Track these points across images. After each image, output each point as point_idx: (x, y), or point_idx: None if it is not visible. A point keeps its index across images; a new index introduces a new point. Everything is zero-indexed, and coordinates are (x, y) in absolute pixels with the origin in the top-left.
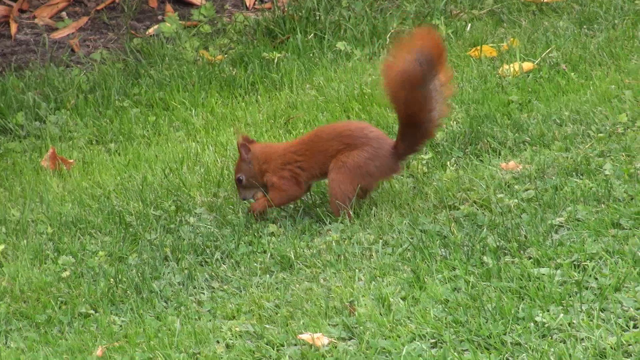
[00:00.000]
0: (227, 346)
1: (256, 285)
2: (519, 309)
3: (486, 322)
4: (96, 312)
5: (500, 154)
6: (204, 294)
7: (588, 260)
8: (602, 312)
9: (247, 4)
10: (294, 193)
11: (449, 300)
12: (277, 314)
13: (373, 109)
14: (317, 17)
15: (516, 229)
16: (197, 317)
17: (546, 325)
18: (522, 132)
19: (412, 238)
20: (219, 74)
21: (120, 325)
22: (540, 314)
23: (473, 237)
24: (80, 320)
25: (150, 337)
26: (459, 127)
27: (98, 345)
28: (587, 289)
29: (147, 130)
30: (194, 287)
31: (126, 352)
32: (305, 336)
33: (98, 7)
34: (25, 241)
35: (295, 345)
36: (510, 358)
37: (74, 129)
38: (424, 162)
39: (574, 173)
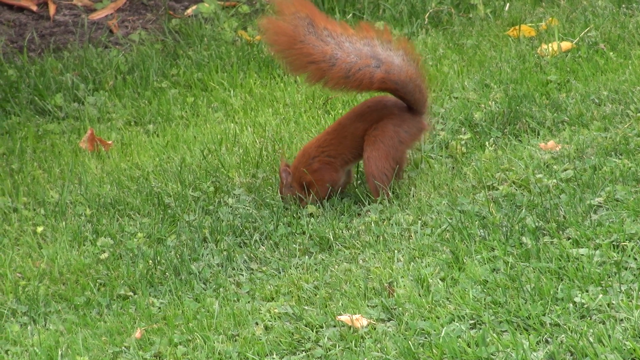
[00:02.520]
0: (266, 328)
1: (295, 266)
2: (557, 289)
3: (525, 303)
4: (135, 294)
5: (539, 134)
6: (242, 275)
7: (627, 241)
8: None
9: None
10: (331, 178)
11: (487, 281)
12: (316, 295)
13: None
14: None
15: (555, 210)
16: (235, 298)
17: (585, 306)
18: (560, 112)
19: (450, 219)
20: (258, 55)
21: (159, 307)
22: (579, 295)
23: (512, 218)
24: (119, 302)
25: (188, 319)
26: (498, 107)
27: (137, 327)
28: (626, 269)
29: (186, 111)
30: (233, 269)
31: (165, 334)
32: (344, 317)
33: None
34: (64, 223)
35: (334, 326)
36: (549, 339)
37: (112, 110)
38: (463, 142)
39: (612, 153)
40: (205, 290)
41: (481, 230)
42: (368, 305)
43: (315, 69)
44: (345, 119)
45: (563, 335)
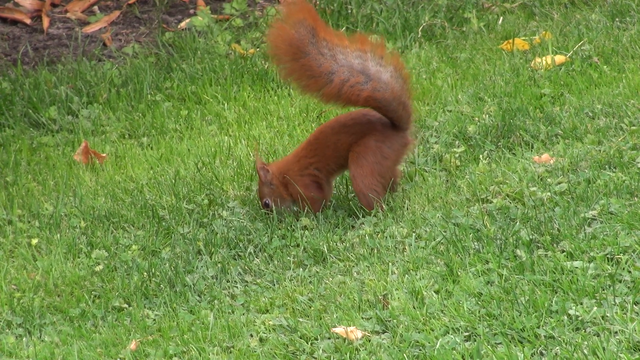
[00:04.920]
0: (261, 340)
1: (289, 278)
2: (552, 302)
3: (519, 316)
4: (130, 306)
5: (532, 147)
6: (237, 287)
7: (621, 254)
8: (635, 305)
9: None
10: (323, 196)
11: (482, 294)
12: (310, 307)
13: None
14: (349, 11)
15: (549, 222)
16: (230, 310)
17: (579, 318)
18: (554, 125)
19: (445, 231)
20: (251, 68)
21: (154, 319)
22: (574, 307)
23: (506, 231)
24: (114, 314)
25: (183, 331)
26: (492, 120)
27: (132, 339)
28: (620, 282)
29: (180, 124)
30: (227, 281)
31: (160, 346)
32: (339, 330)
33: (130, 1)
34: (58, 235)
35: (329, 338)
36: (543, 351)
37: (106, 122)
38: (457, 155)
39: (606, 166)
40: (200, 302)
41: (475, 243)
42: (362, 318)
43: (313, 83)
44: (328, 128)
45: (557, 348)
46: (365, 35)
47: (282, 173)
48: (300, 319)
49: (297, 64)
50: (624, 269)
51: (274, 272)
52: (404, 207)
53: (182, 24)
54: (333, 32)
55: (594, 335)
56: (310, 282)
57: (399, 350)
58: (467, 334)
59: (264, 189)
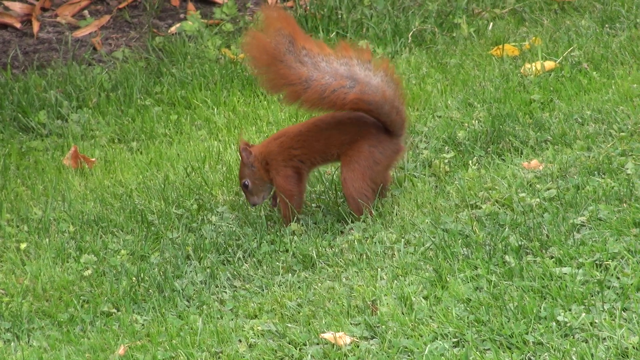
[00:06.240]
0: (250, 345)
1: (278, 284)
2: (540, 308)
3: (508, 322)
4: (118, 310)
5: (522, 153)
6: (226, 292)
7: (610, 260)
8: (624, 311)
9: (269, 3)
10: (302, 189)
11: (471, 300)
12: (299, 313)
13: None
14: (340, 16)
15: (538, 228)
16: (219, 316)
17: (568, 324)
18: (544, 131)
19: (434, 237)
20: (241, 73)
21: (143, 324)
22: (562, 314)
23: (495, 237)
24: (103, 319)
25: (172, 336)
26: (481, 126)
27: (120, 344)
28: (609, 288)
29: (169, 129)
30: (216, 286)
31: (148, 351)
32: (328, 335)
33: (120, 6)
34: (47, 240)
35: (318, 344)
36: (532, 357)
37: (96, 127)
38: (446, 161)
39: (595, 172)
40: (188, 308)
41: (464, 249)
42: (351, 323)
43: (291, 91)
44: (323, 122)
45: (546, 354)
46: (349, 43)
47: (265, 158)
48: (289, 325)
49: (272, 71)
50: (612, 275)
51: (262, 277)
52: (393, 212)
53: (173, 29)
54: (313, 41)
55: (582, 341)
56: (299, 287)
57: (388, 356)
58: (455, 339)
59: (245, 170)
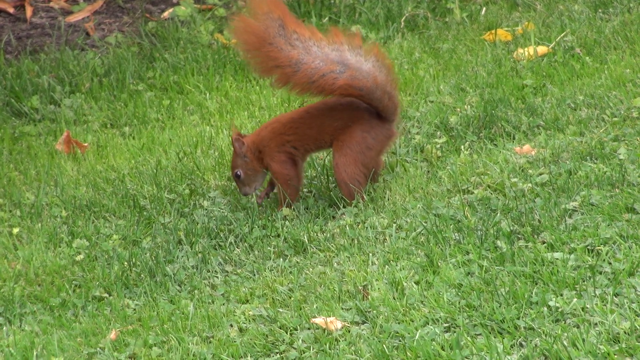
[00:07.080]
0: (241, 330)
1: (270, 269)
2: (532, 293)
3: (499, 307)
4: (110, 295)
5: (514, 138)
6: (217, 277)
7: (602, 245)
8: (615, 296)
9: None
10: (299, 174)
11: (462, 285)
12: (290, 297)
13: None
14: (332, 1)
15: (530, 214)
16: (210, 300)
17: (559, 309)
18: (536, 116)
19: (425, 222)
20: (234, 58)
21: (134, 309)
22: (554, 299)
23: (487, 222)
24: (94, 303)
25: (163, 320)
26: (473, 111)
27: (112, 328)
28: (600, 273)
29: (162, 114)
30: (208, 271)
31: (140, 336)
32: (319, 320)
33: None
34: (39, 224)
35: (309, 329)
36: (523, 342)
37: (88, 112)
38: (438, 146)
39: (588, 157)
40: (180, 292)
41: (456, 234)
42: (342, 308)
43: (280, 73)
44: (314, 109)
45: (537, 339)
46: (340, 29)
47: (258, 147)
48: (280, 310)
49: (262, 54)
50: (604, 260)
51: (254, 262)
52: (384, 197)
53: (165, 14)
54: (305, 25)
55: (573, 326)
56: (290, 272)
57: (379, 341)
58: (446, 325)
59: (237, 160)
